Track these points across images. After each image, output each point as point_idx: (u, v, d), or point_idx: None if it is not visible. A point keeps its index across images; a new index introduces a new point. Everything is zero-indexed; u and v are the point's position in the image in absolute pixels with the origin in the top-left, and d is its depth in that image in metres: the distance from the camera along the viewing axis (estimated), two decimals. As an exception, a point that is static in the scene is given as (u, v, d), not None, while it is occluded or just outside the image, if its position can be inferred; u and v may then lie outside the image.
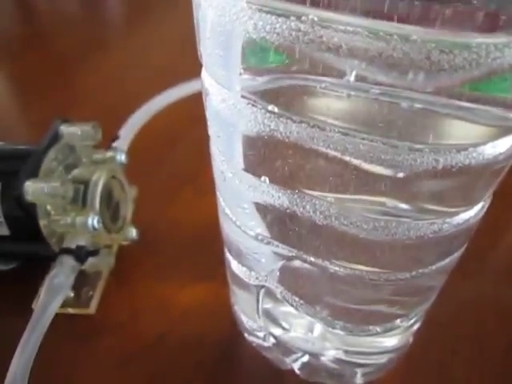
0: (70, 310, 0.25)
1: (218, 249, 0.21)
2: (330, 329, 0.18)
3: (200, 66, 0.15)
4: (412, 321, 0.19)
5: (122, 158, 0.26)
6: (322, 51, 0.09)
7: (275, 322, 0.20)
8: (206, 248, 0.28)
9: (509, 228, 0.30)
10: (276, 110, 0.11)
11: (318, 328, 0.19)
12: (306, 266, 0.15)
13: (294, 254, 0.15)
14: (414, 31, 0.08)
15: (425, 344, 0.23)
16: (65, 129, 0.24)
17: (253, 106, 0.11)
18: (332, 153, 0.11)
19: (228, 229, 0.17)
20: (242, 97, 0.11)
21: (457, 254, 0.15)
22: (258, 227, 0.15)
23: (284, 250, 0.15)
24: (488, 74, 0.08)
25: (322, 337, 0.20)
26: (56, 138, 0.24)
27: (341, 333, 0.18)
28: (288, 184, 0.13)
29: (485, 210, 0.14)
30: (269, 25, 0.09)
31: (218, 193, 0.17)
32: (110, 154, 0.26)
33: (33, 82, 0.45)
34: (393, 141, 0.10)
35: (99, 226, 0.22)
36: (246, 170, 0.13)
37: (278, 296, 0.18)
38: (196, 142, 0.36)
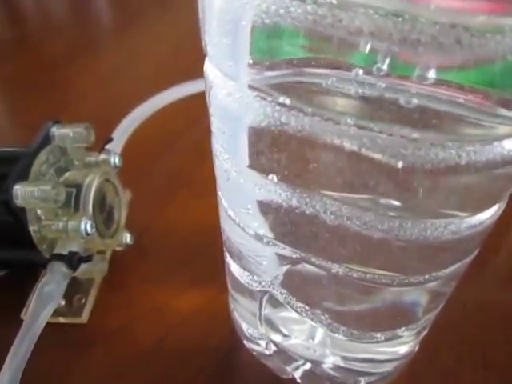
0: (62, 319, 0.24)
1: (216, 253, 0.20)
2: (335, 335, 0.18)
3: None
4: (420, 328, 0.18)
5: (115, 160, 0.25)
6: (341, 37, 0.08)
7: (274, 327, 0.19)
8: (203, 252, 0.27)
9: (510, 231, 0.30)
10: (288, 102, 0.10)
11: (320, 334, 0.19)
12: (313, 269, 0.15)
13: (301, 257, 0.14)
14: (443, 13, 0.08)
15: (429, 349, 0.23)
16: (56, 130, 0.23)
17: (262, 98, 0.11)
18: (347, 148, 0.10)
19: (230, 231, 0.17)
20: (250, 88, 0.11)
21: (470, 257, 0.14)
22: (263, 228, 0.14)
23: (291, 252, 0.14)
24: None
25: (324, 344, 0.19)
26: (47, 139, 0.23)
27: (344, 339, 0.18)
28: (297, 182, 0.12)
29: (501, 211, 0.13)
30: (283, 8, 0.09)
31: (219, 193, 0.16)
32: (103, 156, 0.25)
33: (23, 84, 0.44)
34: (413, 134, 0.10)
35: (92, 230, 0.22)
36: (252, 167, 0.12)
37: (282, 301, 0.17)
38: (191, 143, 0.35)
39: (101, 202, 0.24)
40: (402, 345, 0.18)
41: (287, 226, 0.13)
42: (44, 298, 0.21)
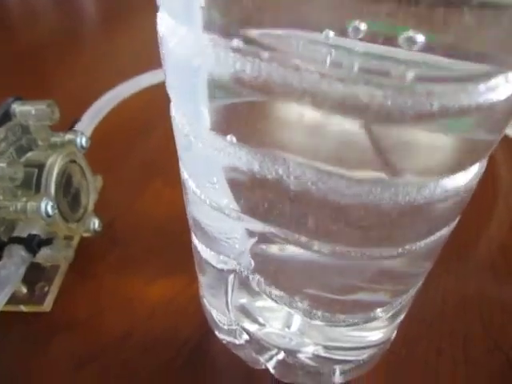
0: (23, 308, 0.22)
1: (188, 243, 0.19)
2: (309, 320, 0.17)
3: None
4: (394, 311, 0.17)
5: (82, 141, 0.24)
6: None
7: (251, 317, 0.18)
8: (175, 242, 0.26)
9: (490, 223, 0.29)
10: (241, 45, 0.09)
11: (297, 322, 0.18)
12: (282, 247, 0.14)
13: (269, 231, 0.13)
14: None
15: (409, 342, 0.22)
16: (17, 107, 0.22)
17: (216, 44, 0.10)
18: (307, 101, 0.09)
19: (193, 206, 0.15)
20: (205, 31, 0.10)
21: (446, 230, 0.13)
22: (226, 199, 0.13)
23: (258, 226, 0.13)
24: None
25: (300, 331, 0.18)
26: (7, 116, 0.21)
27: (320, 324, 0.17)
28: (257, 143, 0.11)
29: (479, 177, 0.12)
30: None
31: (182, 170, 0.15)
32: (69, 136, 0.23)
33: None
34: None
35: (54, 212, 0.20)
36: (211, 128, 0.11)
37: (254, 286, 0.16)
38: (167, 130, 0.34)
39: (66, 184, 0.22)
40: (378, 330, 0.18)
41: (251, 195, 0.12)
42: (0, 282, 0.19)
